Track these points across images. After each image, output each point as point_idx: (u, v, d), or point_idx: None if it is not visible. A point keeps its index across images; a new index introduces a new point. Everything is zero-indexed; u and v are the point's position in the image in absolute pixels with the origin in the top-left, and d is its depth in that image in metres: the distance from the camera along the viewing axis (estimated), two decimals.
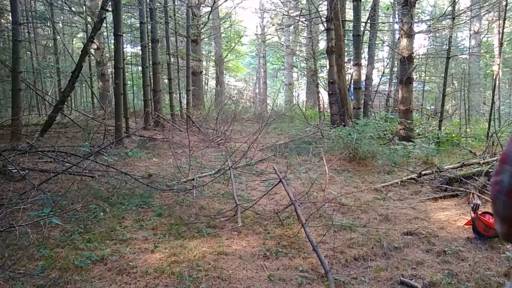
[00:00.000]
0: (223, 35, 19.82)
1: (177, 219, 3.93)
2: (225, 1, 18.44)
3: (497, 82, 10.85)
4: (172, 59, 13.82)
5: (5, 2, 11.78)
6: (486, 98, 18.26)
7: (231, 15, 19.43)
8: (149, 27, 11.10)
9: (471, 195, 4.56)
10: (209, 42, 21.92)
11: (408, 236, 3.49)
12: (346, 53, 11.81)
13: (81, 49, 8.61)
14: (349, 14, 13.56)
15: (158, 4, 12.09)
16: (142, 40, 10.40)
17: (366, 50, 13.56)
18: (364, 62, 13.60)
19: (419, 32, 11.76)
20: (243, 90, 24.56)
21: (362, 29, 10.84)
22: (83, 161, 5.34)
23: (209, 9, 16.22)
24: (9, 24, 11.54)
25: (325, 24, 10.33)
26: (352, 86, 10.23)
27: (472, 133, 10.70)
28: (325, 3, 11.07)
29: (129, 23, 15.97)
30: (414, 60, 9.32)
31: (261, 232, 3.64)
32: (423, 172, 5.65)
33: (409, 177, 5.62)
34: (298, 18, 14.08)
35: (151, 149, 7.82)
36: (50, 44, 14.15)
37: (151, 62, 11.06)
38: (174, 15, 13.89)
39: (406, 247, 3.26)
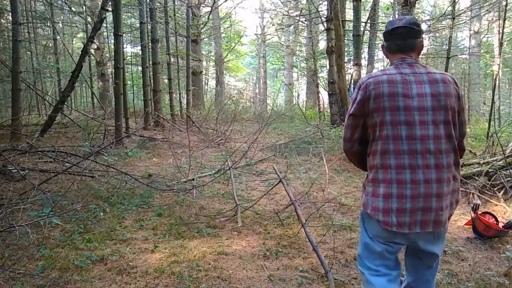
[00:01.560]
0: (223, 35, 19.83)
1: (177, 219, 3.93)
2: (225, 1, 18.50)
3: (497, 82, 10.85)
4: (172, 59, 13.83)
5: (5, 2, 11.77)
6: (486, 98, 18.25)
7: (231, 15, 19.44)
8: (149, 27, 11.09)
9: (471, 195, 4.56)
10: (209, 42, 21.92)
11: None
12: (346, 53, 11.81)
13: (81, 49, 8.61)
14: (349, 14, 13.55)
15: (158, 4, 12.09)
16: (142, 40, 10.40)
17: (366, 50, 13.57)
18: (364, 62, 13.61)
19: None
20: (243, 90, 24.56)
21: (362, 29, 10.84)
22: (83, 161, 5.34)
23: (209, 9, 16.23)
24: (9, 24, 11.54)
25: (325, 24, 10.32)
26: (352, 86, 10.23)
27: (472, 133, 10.70)
28: (325, 3, 11.07)
29: (129, 23, 15.97)
30: None
31: (261, 232, 3.64)
32: None
33: None
34: (298, 18, 14.08)
35: (151, 149, 7.82)
36: (50, 44, 14.14)
37: (151, 62, 11.06)
38: (174, 15, 13.89)
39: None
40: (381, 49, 1.99)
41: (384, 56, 2.07)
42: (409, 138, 1.69)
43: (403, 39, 1.81)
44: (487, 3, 11.91)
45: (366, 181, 1.85)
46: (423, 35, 1.85)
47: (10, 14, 9.23)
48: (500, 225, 3.55)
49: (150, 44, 10.85)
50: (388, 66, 2.00)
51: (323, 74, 16.17)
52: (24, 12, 12.06)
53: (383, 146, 1.73)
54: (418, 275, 1.91)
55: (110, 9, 8.20)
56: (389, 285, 1.82)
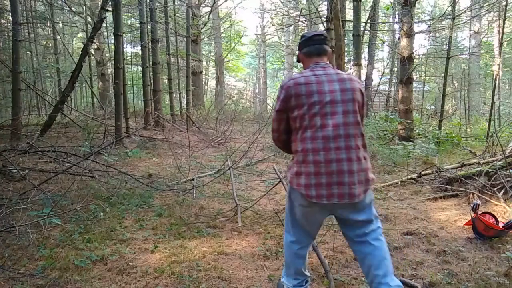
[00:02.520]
0: (223, 35, 19.83)
1: (177, 219, 3.93)
2: (225, 1, 18.49)
3: (497, 82, 10.85)
4: (172, 59, 13.83)
5: (5, 2, 11.77)
6: (486, 98, 18.25)
7: (231, 15, 19.45)
8: (149, 27, 11.10)
9: (471, 195, 4.56)
10: (209, 42, 21.92)
11: (408, 236, 3.49)
12: (346, 53, 11.79)
13: (81, 49, 8.61)
14: (349, 14, 13.56)
15: (158, 4, 12.09)
16: (142, 40, 10.40)
17: (366, 50, 13.57)
18: (364, 62, 13.61)
19: (419, 32, 11.77)
20: (243, 90, 24.56)
21: (362, 29, 10.84)
22: (83, 161, 5.34)
23: (209, 9, 16.23)
24: (9, 24, 11.53)
25: (325, 24, 10.32)
26: None
27: (472, 133, 10.70)
28: (325, 3, 11.08)
29: (129, 23, 15.97)
30: (414, 60, 9.32)
31: (261, 232, 3.64)
32: (423, 172, 5.65)
33: (409, 177, 5.62)
34: (298, 18, 14.08)
35: (151, 149, 7.82)
36: (50, 44, 14.14)
37: (151, 62, 11.06)
38: (174, 15, 13.89)
39: (406, 247, 3.26)
40: (298, 56, 2.34)
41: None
42: (322, 126, 2.06)
43: (320, 44, 2.24)
44: (487, 3, 11.91)
45: (291, 163, 2.22)
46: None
47: (10, 14, 9.23)
48: (500, 225, 3.55)
49: (150, 44, 10.85)
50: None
51: None
52: (24, 12, 12.06)
53: (302, 134, 2.10)
54: (367, 249, 2.16)
55: (110, 9, 8.20)
56: (300, 251, 2.32)
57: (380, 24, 13.71)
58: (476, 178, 4.93)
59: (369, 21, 12.26)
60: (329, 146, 2.05)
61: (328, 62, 2.26)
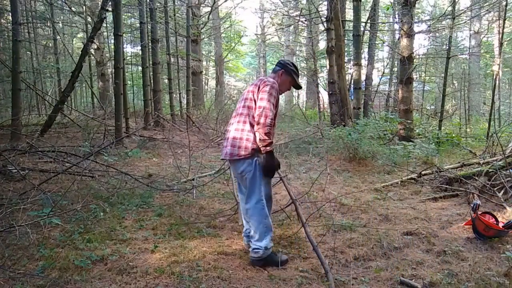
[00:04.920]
0: (223, 35, 19.82)
1: (177, 219, 3.93)
2: (225, 1, 18.45)
3: (497, 82, 10.85)
4: (172, 59, 13.83)
5: (5, 2, 11.78)
6: (486, 98, 18.26)
7: (231, 15, 19.45)
8: (149, 27, 11.10)
9: (471, 195, 4.56)
10: (209, 42, 21.92)
11: (408, 236, 3.49)
12: (346, 53, 11.80)
13: (81, 49, 8.61)
14: (349, 14, 13.56)
15: (158, 4, 12.10)
16: (142, 40, 10.41)
17: (366, 50, 13.57)
18: (364, 62, 13.60)
19: (419, 32, 11.78)
20: (243, 90, 24.54)
21: (362, 29, 10.84)
22: (83, 161, 5.34)
23: (209, 9, 16.23)
24: (9, 24, 11.54)
25: (325, 24, 10.32)
26: (352, 86, 10.22)
27: (472, 133, 10.70)
28: (325, 3, 11.07)
29: (129, 23, 15.98)
30: (414, 60, 9.33)
31: None
32: (423, 172, 5.65)
33: (409, 177, 5.62)
34: (298, 18, 14.08)
35: (151, 149, 7.82)
36: (50, 44, 14.15)
37: (151, 62, 11.06)
38: (174, 15, 13.89)
39: (406, 247, 3.26)
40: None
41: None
42: (236, 109, 3.09)
43: (276, 65, 3.26)
44: (487, 3, 11.92)
45: None
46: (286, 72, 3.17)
47: (10, 14, 9.23)
48: (500, 225, 3.55)
49: (150, 44, 10.85)
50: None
51: (323, 74, 16.18)
52: (24, 12, 12.06)
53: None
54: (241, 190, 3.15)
55: (110, 9, 8.20)
56: (241, 203, 3.23)
57: (380, 24, 13.71)
58: (476, 178, 4.93)
59: (369, 21, 12.26)
60: (232, 121, 3.04)
61: (275, 75, 3.13)
